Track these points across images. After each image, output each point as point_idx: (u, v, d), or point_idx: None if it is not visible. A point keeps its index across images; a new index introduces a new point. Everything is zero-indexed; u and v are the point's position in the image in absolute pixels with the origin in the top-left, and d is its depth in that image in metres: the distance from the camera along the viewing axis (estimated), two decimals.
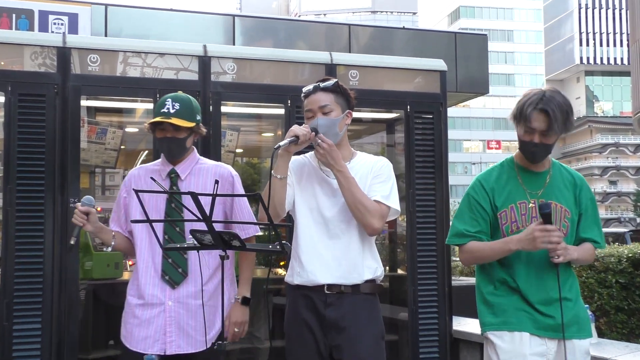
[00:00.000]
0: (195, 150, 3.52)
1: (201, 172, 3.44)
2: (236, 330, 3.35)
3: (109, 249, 3.38)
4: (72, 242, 3.21)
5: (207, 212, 2.70)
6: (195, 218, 2.73)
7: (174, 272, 3.30)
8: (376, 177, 3.18)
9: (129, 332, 3.34)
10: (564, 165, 3.27)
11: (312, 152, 3.23)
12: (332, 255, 3.11)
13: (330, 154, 3.06)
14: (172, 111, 3.30)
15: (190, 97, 3.45)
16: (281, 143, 3.01)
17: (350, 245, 3.12)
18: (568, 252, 2.97)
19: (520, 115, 3.03)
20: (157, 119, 3.32)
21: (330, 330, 3.09)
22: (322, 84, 3.17)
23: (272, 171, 3.02)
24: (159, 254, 3.32)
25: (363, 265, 3.14)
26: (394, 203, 3.18)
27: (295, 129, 3.04)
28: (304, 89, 3.22)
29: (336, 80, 3.18)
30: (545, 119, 2.98)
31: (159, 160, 3.51)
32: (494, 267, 3.14)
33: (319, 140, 3.05)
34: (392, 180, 3.22)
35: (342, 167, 3.09)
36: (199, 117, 3.43)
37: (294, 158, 3.18)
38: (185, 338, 3.28)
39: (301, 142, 3.03)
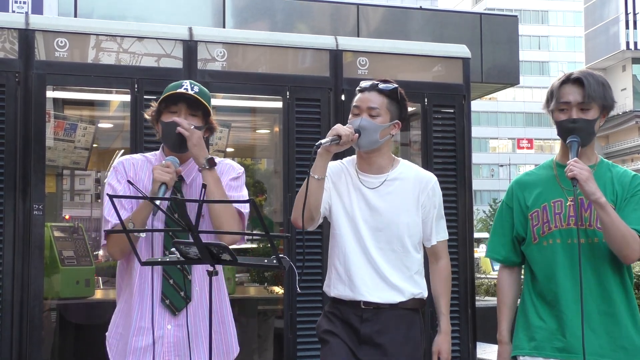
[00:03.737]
0: None
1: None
2: None
3: (144, 235, 3.17)
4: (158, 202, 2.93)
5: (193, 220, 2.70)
6: (180, 228, 2.73)
7: (175, 295, 3.18)
8: (434, 208, 3.43)
9: None
10: (615, 166, 3.27)
11: (349, 158, 3.48)
12: (367, 271, 3.34)
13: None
14: (191, 92, 3.20)
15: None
16: (322, 141, 3.20)
17: (384, 265, 3.34)
18: (585, 175, 2.94)
19: (552, 94, 3.15)
20: (178, 91, 3.19)
21: (365, 345, 3.31)
22: (380, 85, 3.36)
23: (310, 171, 3.22)
24: (158, 272, 3.19)
25: (400, 287, 3.34)
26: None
27: (339, 128, 3.23)
28: (361, 84, 3.42)
29: (397, 86, 3.39)
30: (579, 90, 3.09)
31: (155, 153, 3.38)
32: (536, 279, 3.21)
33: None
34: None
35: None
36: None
37: (330, 163, 3.36)
38: None
39: (343, 142, 3.21)
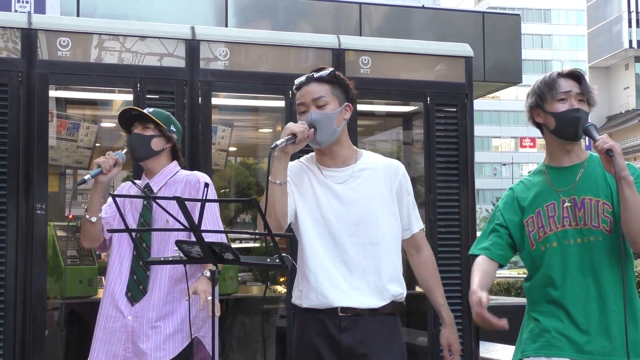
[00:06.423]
0: (177, 164, 3.78)
1: (173, 183, 3.70)
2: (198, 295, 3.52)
3: (94, 219, 3.63)
4: (85, 178, 3.57)
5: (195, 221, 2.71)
6: (182, 227, 2.75)
7: (136, 289, 3.61)
8: (408, 194, 3.28)
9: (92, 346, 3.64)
10: None
11: (308, 156, 3.28)
12: (342, 274, 3.12)
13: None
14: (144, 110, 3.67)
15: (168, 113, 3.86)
16: (277, 142, 3.00)
17: (363, 263, 3.13)
18: (619, 149, 2.87)
19: (548, 87, 3.08)
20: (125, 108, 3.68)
21: (347, 358, 3.10)
22: (316, 74, 3.19)
23: (269, 176, 3.01)
24: (126, 269, 3.65)
25: (381, 286, 3.15)
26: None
27: (292, 126, 3.03)
28: (296, 81, 3.25)
29: (332, 69, 3.21)
30: (575, 83, 3.07)
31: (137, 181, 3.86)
32: (537, 283, 3.17)
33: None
34: None
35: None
36: (173, 129, 3.76)
37: (289, 164, 3.18)
38: (139, 356, 3.54)
39: (299, 140, 3.02)
